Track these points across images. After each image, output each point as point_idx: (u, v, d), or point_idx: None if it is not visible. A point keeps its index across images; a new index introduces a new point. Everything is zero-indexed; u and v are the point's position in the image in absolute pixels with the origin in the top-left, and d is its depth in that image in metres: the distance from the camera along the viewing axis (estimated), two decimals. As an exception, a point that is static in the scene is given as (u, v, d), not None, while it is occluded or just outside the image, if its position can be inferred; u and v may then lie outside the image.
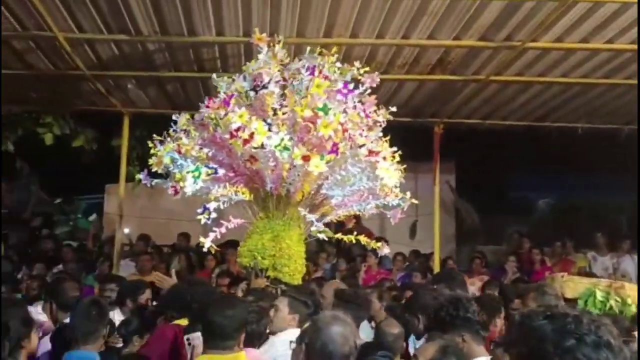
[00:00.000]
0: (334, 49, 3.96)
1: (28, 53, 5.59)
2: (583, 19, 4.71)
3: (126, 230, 8.40)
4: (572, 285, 4.45)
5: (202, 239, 3.71)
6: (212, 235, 3.70)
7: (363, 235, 4.30)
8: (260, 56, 3.87)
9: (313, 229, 3.68)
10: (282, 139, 3.46)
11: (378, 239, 8.80)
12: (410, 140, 8.76)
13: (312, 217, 3.63)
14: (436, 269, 7.18)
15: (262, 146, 3.45)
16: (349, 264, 7.85)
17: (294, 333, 3.15)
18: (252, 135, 3.43)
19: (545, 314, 1.86)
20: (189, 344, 3.10)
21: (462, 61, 5.58)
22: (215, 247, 3.85)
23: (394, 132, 8.23)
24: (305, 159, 3.45)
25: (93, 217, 10.35)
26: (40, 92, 6.76)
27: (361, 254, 7.63)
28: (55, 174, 11.08)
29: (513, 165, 11.11)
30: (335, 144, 3.53)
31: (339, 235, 4.19)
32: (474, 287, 6.63)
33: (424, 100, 6.70)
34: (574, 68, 5.69)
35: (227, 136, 3.55)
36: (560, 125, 7.37)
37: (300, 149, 3.50)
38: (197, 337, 3.17)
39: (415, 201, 4.19)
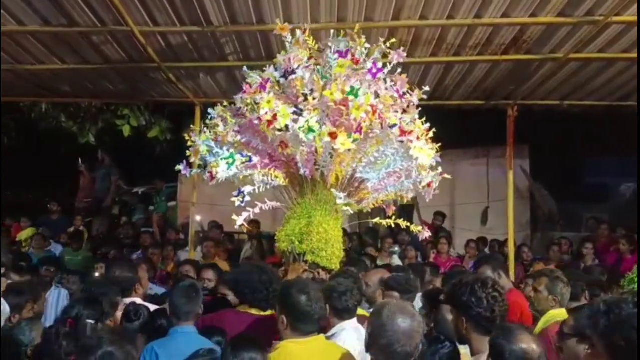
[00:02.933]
0: (357, 28, 3.85)
1: (106, 47, 5.83)
2: (674, -12, 4.37)
3: (198, 218, 8.66)
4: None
5: (234, 217, 3.73)
6: (244, 214, 3.73)
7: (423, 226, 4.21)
8: (288, 45, 3.84)
9: (339, 201, 3.61)
10: (307, 121, 3.45)
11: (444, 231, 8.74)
12: (481, 123, 8.57)
13: (339, 193, 3.59)
14: (510, 256, 6.96)
15: (287, 128, 3.45)
16: (418, 251, 7.75)
17: None
18: (275, 116, 3.45)
19: (634, 302, 1.75)
20: None
21: (538, 39, 5.32)
22: (247, 227, 3.87)
23: (465, 116, 8.09)
24: (333, 136, 3.44)
25: (172, 203, 10.78)
26: (118, 85, 7.05)
27: (431, 240, 7.52)
28: (133, 164, 11.63)
29: (592, 149, 10.58)
30: (359, 124, 3.49)
31: (377, 220, 4.13)
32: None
33: (496, 82, 6.46)
34: (662, 43, 5.30)
35: (257, 121, 3.60)
36: (645, 104, 6.92)
37: (328, 127, 3.48)
38: None
39: (448, 176, 4.00)
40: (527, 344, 2.25)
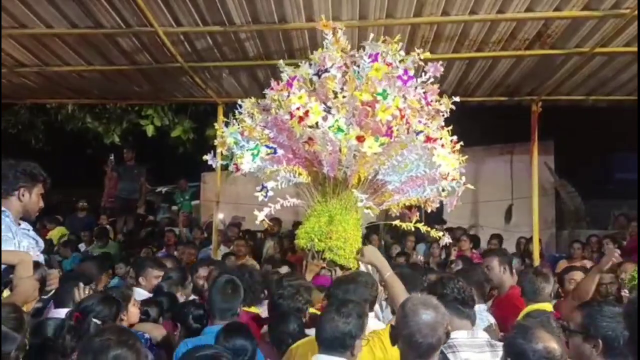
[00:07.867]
0: (397, 38, 3.78)
1: (131, 49, 5.92)
2: None
3: (220, 216, 8.75)
4: None
5: (256, 212, 3.71)
6: (266, 210, 3.72)
7: None
8: (326, 42, 3.81)
9: (360, 204, 3.62)
10: (337, 120, 3.46)
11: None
12: (505, 120, 8.48)
13: (361, 195, 3.59)
14: (535, 253, 6.89)
15: (317, 126, 3.46)
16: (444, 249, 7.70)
17: None
18: (307, 112, 3.45)
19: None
20: None
21: (563, 34, 5.25)
22: (268, 222, 3.88)
23: (488, 112, 8.00)
24: (360, 139, 3.42)
25: (196, 202, 10.92)
26: (142, 86, 7.14)
27: (456, 237, 7.49)
28: (156, 163, 11.78)
29: (619, 144, 10.38)
30: (389, 127, 3.47)
31: (397, 222, 4.12)
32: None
33: (520, 78, 6.39)
34: (692, 35, 5.19)
35: (287, 117, 3.59)
36: (675, 99, 6.77)
37: (356, 130, 3.48)
38: None
39: (471, 187, 3.87)
40: (548, 342, 2.22)
